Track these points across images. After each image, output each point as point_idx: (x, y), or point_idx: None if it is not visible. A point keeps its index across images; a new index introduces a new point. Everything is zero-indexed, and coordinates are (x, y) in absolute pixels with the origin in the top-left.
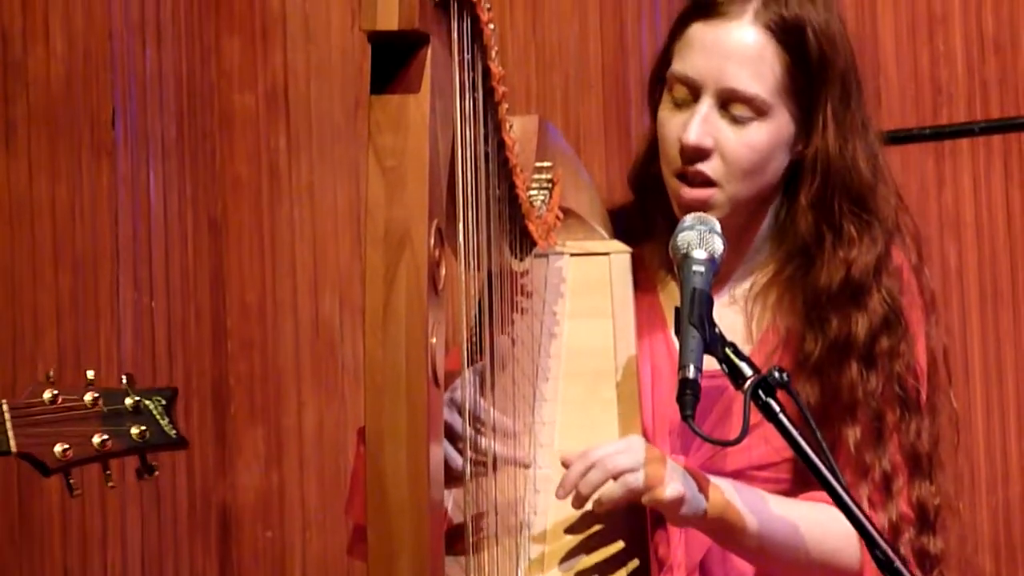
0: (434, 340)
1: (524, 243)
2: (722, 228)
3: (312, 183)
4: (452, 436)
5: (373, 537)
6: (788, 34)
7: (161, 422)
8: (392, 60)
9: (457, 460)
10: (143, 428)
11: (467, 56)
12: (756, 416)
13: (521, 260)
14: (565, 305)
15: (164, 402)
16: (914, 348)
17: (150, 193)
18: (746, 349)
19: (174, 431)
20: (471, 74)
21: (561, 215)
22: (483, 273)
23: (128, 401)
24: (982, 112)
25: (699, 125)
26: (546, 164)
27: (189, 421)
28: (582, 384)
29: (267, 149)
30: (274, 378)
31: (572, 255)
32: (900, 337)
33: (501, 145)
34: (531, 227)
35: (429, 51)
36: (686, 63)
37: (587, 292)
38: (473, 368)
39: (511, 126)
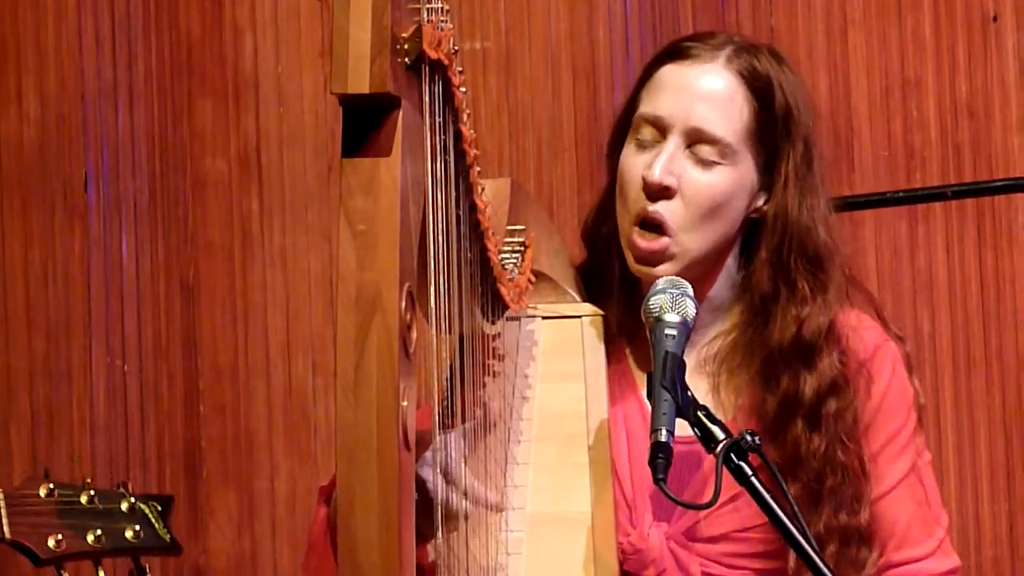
0: (405, 403)
1: (496, 306)
2: None
3: (284, 247)
4: (426, 496)
5: None
6: (758, 83)
7: (156, 526)
8: (363, 123)
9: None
10: (138, 529)
11: (439, 119)
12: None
13: (493, 323)
14: (537, 368)
15: (160, 508)
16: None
17: (122, 256)
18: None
19: (169, 535)
20: (443, 137)
21: (533, 278)
22: (454, 336)
23: (124, 504)
24: (955, 176)
25: (665, 162)
26: (519, 227)
27: (161, 484)
28: (554, 447)
29: (239, 213)
30: (246, 441)
31: (544, 318)
32: (848, 403)
33: (473, 208)
34: (503, 290)
35: (400, 114)
36: (655, 103)
37: (559, 355)
38: (453, 432)
39: (483, 189)
